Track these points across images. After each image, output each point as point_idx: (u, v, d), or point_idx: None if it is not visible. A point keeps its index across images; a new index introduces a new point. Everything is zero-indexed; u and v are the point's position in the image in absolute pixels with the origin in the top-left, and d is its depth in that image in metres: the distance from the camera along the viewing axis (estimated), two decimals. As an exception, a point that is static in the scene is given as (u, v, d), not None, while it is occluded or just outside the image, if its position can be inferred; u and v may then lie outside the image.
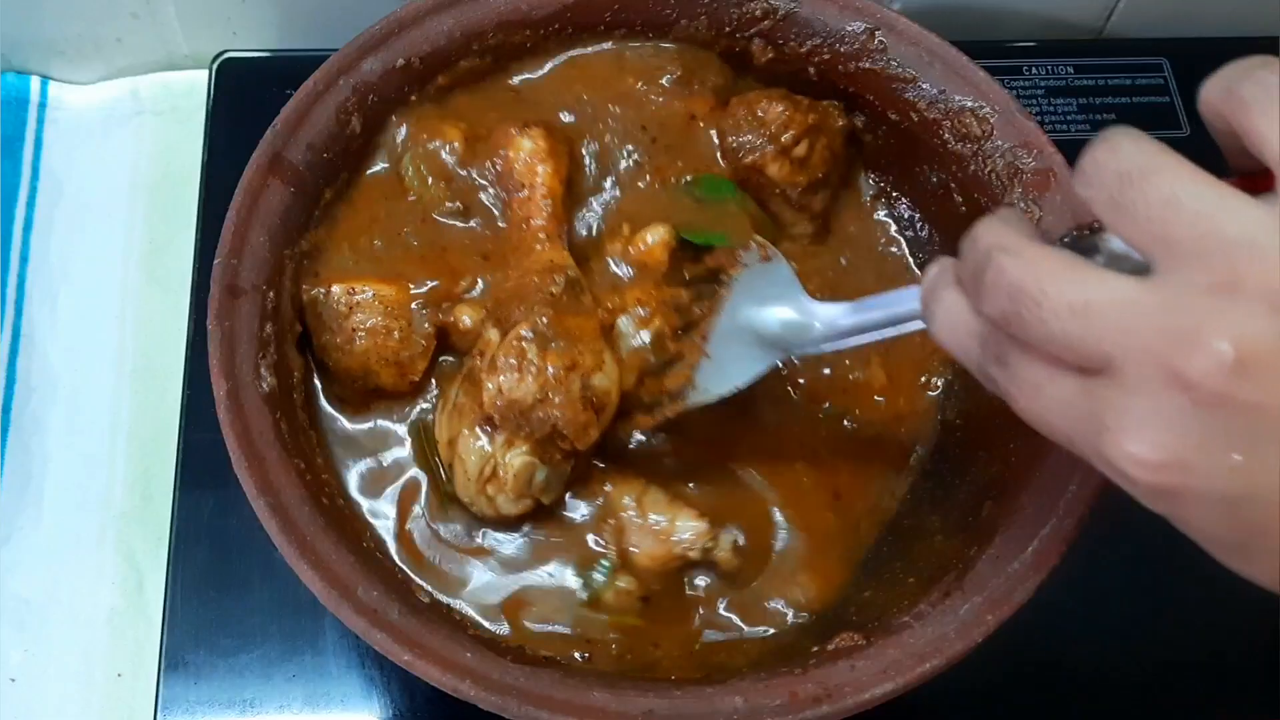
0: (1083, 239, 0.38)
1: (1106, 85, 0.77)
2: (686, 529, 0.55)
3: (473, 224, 0.61)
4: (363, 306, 0.57)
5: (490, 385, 0.54)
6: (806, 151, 0.62)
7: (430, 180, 0.60)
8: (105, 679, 0.64)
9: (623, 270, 0.59)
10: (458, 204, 0.61)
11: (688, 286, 0.58)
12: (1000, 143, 0.59)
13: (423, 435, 0.58)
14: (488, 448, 0.54)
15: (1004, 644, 0.49)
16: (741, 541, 0.56)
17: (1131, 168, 0.36)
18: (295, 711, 0.60)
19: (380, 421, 0.58)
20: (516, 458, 0.54)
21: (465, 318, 0.58)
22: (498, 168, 0.59)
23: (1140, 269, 0.35)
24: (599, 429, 0.55)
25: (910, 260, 0.65)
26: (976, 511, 0.55)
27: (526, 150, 0.59)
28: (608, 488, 0.57)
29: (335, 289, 0.57)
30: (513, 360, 0.54)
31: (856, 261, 0.65)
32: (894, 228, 0.66)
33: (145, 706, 0.61)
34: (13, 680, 0.64)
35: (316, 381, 0.59)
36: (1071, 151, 0.58)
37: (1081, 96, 0.77)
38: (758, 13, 0.63)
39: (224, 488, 0.55)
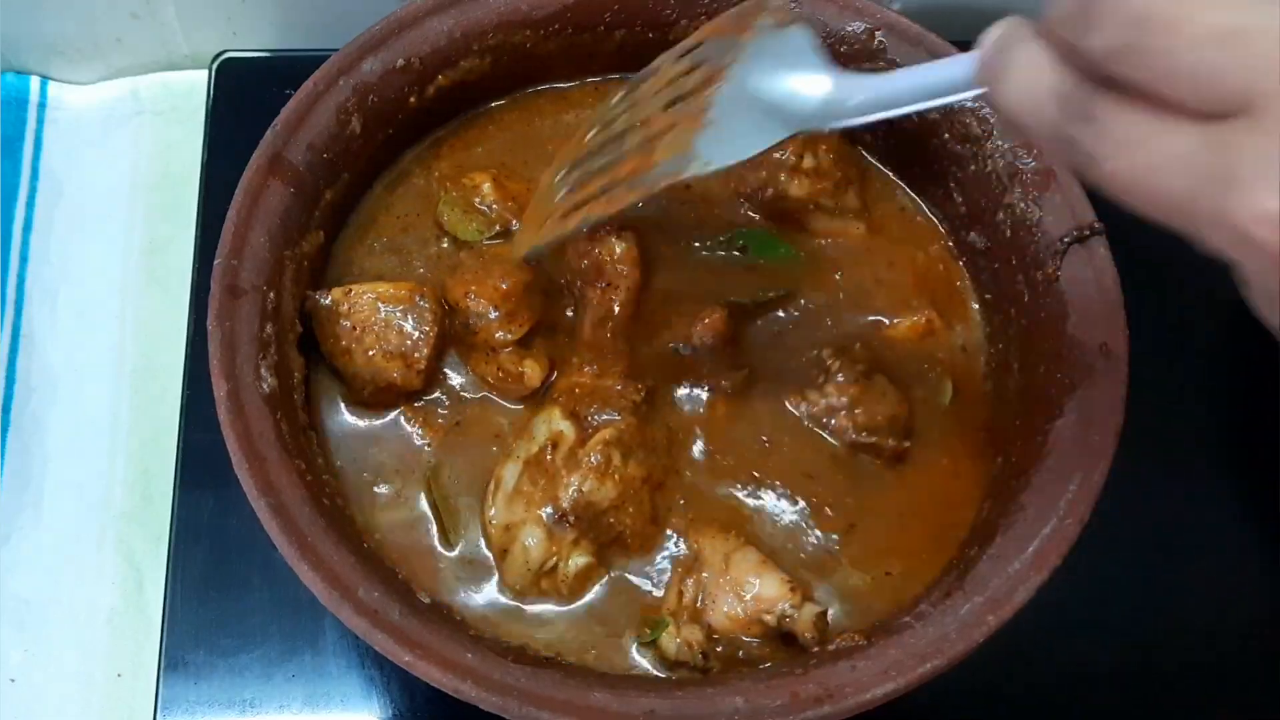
0: None
1: (1106, 85, 0.77)
2: (774, 596, 0.53)
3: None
4: (363, 307, 0.57)
5: (572, 482, 0.54)
6: (814, 161, 0.62)
7: (469, 220, 0.62)
8: (105, 679, 0.64)
9: (685, 350, 0.59)
10: (495, 228, 0.62)
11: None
12: (1000, 143, 0.59)
13: (434, 492, 0.57)
14: (551, 544, 0.54)
15: (1004, 644, 0.49)
16: (832, 612, 0.54)
17: None
18: (295, 711, 0.60)
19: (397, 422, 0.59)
20: (581, 558, 0.54)
21: (528, 369, 0.58)
22: (584, 263, 0.59)
23: None
24: (658, 542, 0.56)
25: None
26: (977, 511, 0.55)
27: (619, 253, 0.58)
28: (695, 544, 0.56)
29: (335, 293, 0.57)
30: (597, 462, 0.54)
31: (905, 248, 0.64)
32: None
33: (145, 706, 0.61)
34: (13, 680, 0.64)
35: (326, 385, 0.59)
36: (1071, 151, 0.58)
37: (1081, 96, 0.77)
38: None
39: (224, 488, 0.55)
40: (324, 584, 0.48)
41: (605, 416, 0.56)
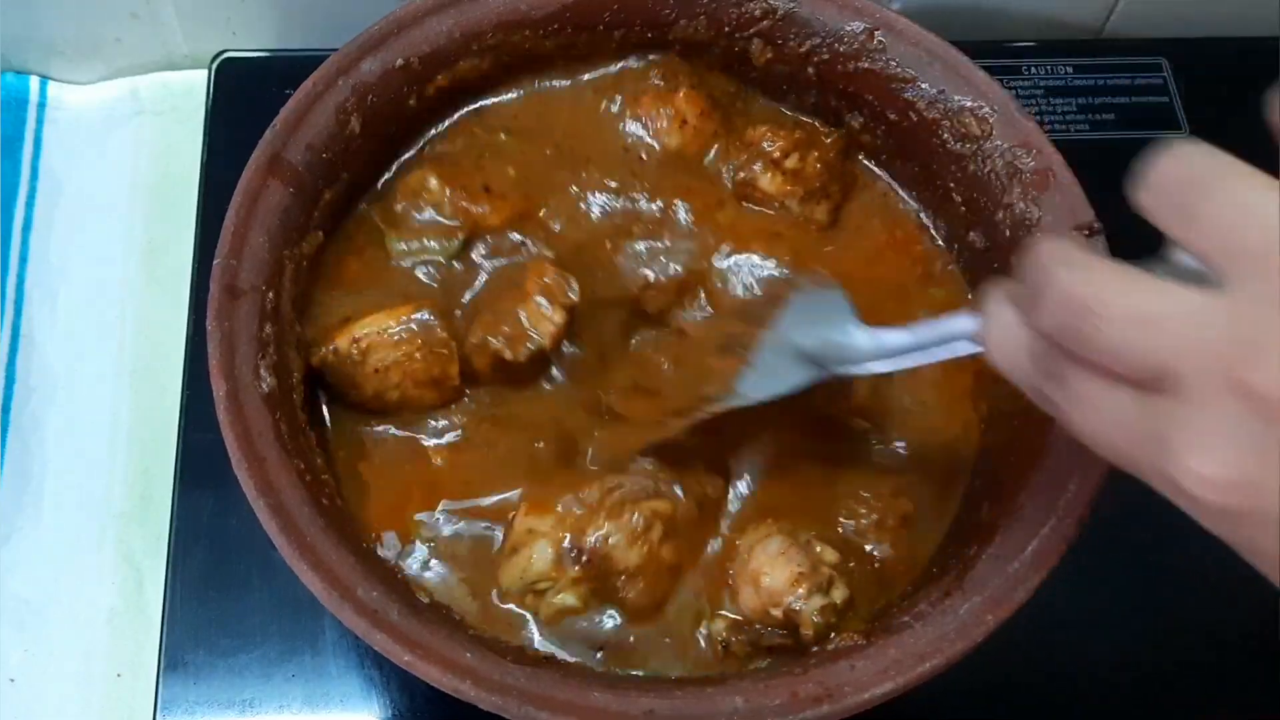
0: (1149, 259, 0.36)
1: (1106, 85, 0.77)
2: (782, 588, 0.53)
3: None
4: (377, 346, 0.56)
5: (604, 528, 0.54)
6: (799, 164, 0.62)
7: (423, 239, 0.61)
8: (105, 679, 0.64)
9: None
10: (459, 237, 0.61)
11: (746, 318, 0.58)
12: (999, 143, 0.59)
13: None
14: (553, 570, 0.54)
15: (1004, 644, 0.49)
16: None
17: (1200, 175, 0.34)
18: (295, 711, 0.60)
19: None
20: (570, 598, 0.54)
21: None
22: None
23: (1205, 284, 0.34)
24: (653, 622, 0.55)
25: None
26: (976, 511, 0.55)
27: None
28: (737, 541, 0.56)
29: (340, 342, 0.57)
30: (636, 525, 0.54)
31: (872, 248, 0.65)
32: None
33: (145, 706, 0.61)
34: (12, 680, 0.64)
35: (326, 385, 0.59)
36: (1071, 151, 0.59)
37: (1081, 96, 0.77)
38: (757, 13, 0.63)
39: (224, 488, 0.55)
40: (323, 584, 0.48)
41: (674, 490, 0.56)
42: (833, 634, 0.52)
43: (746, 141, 0.63)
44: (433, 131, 0.64)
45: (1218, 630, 0.64)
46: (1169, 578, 0.65)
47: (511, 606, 0.55)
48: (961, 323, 0.46)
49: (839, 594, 0.53)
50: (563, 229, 0.62)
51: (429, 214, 0.61)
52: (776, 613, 0.53)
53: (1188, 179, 0.35)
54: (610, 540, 0.54)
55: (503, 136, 0.64)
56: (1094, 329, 0.34)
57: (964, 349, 0.47)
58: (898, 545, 0.57)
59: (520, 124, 0.65)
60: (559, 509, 0.54)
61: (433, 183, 0.61)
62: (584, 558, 0.54)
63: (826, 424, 0.59)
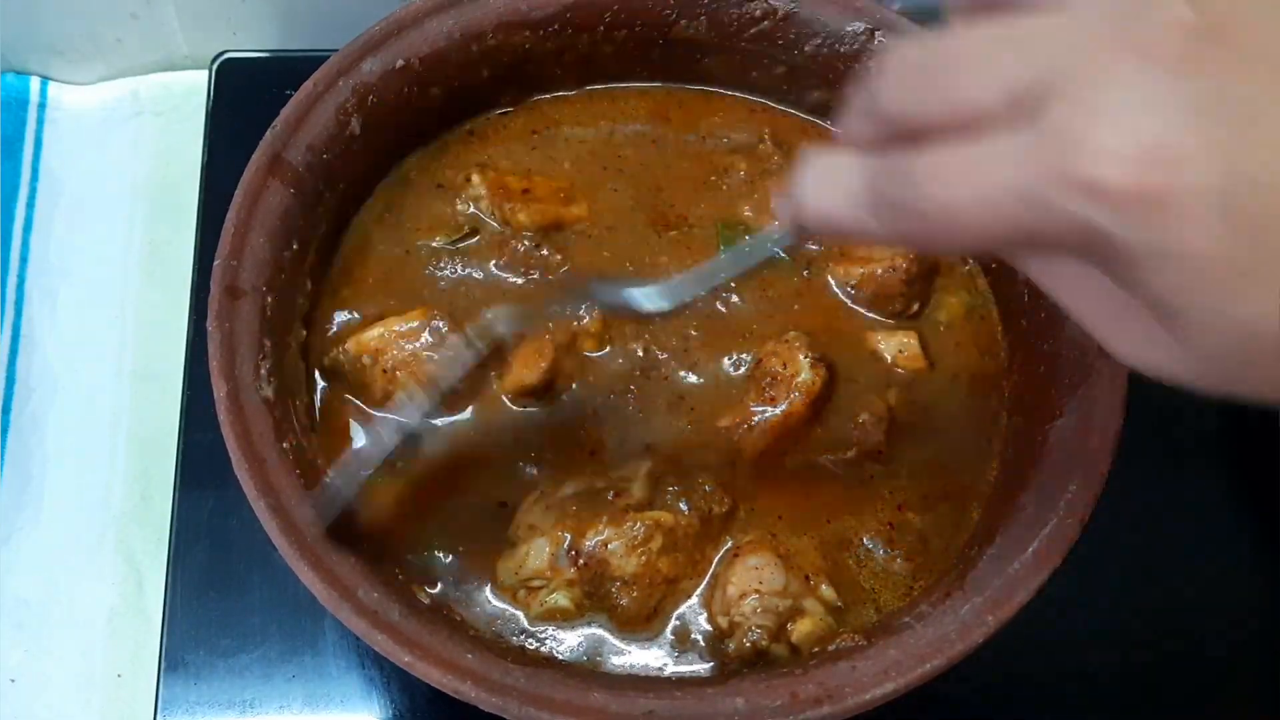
0: None
1: (1106, 85, 0.77)
2: (766, 604, 0.53)
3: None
4: (386, 347, 0.57)
5: (603, 533, 0.54)
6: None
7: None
8: (105, 679, 0.64)
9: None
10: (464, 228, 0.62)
11: None
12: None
13: None
14: (549, 570, 0.54)
15: (1004, 644, 0.49)
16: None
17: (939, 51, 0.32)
18: (295, 712, 0.60)
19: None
20: (563, 599, 0.54)
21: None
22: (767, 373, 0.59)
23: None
24: (644, 631, 0.55)
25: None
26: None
27: (804, 372, 0.58)
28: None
29: (351, 345, 0.57)
30: (636, 534, 0.54)
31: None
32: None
33: (145, 707, 0.61)
34: (13, 680, 0.64)
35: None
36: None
37: (1081, 96, 0.77)
38: (757, 13, 0.63)
39: (224, 488, 0.55)
40: (323, 584, 0.48)
41: (680, 505, 0.56)
42: (758, 658, 0.53)
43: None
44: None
45: (1217, 630, 0.64)
46: (1169, 578, 0.65)
47: (505, 605, 0.55)
48: (761, 239, 0.44)
49: (803, 627, 0.53)
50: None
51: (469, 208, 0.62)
52: (723, 621, 0.53)
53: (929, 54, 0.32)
54: (609, 546, 0.54)
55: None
56: (949, 83, 0.31)
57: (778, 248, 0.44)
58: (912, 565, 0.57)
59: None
60: (562, 508, 0.55)
61: (475, 178, 0.62)
62: (580, 560, 0.54)
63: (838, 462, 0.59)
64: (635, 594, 0.54)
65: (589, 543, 0.54)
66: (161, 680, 0.60)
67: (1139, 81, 0.29)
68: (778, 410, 0.57)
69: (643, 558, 0.54)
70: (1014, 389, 0.59)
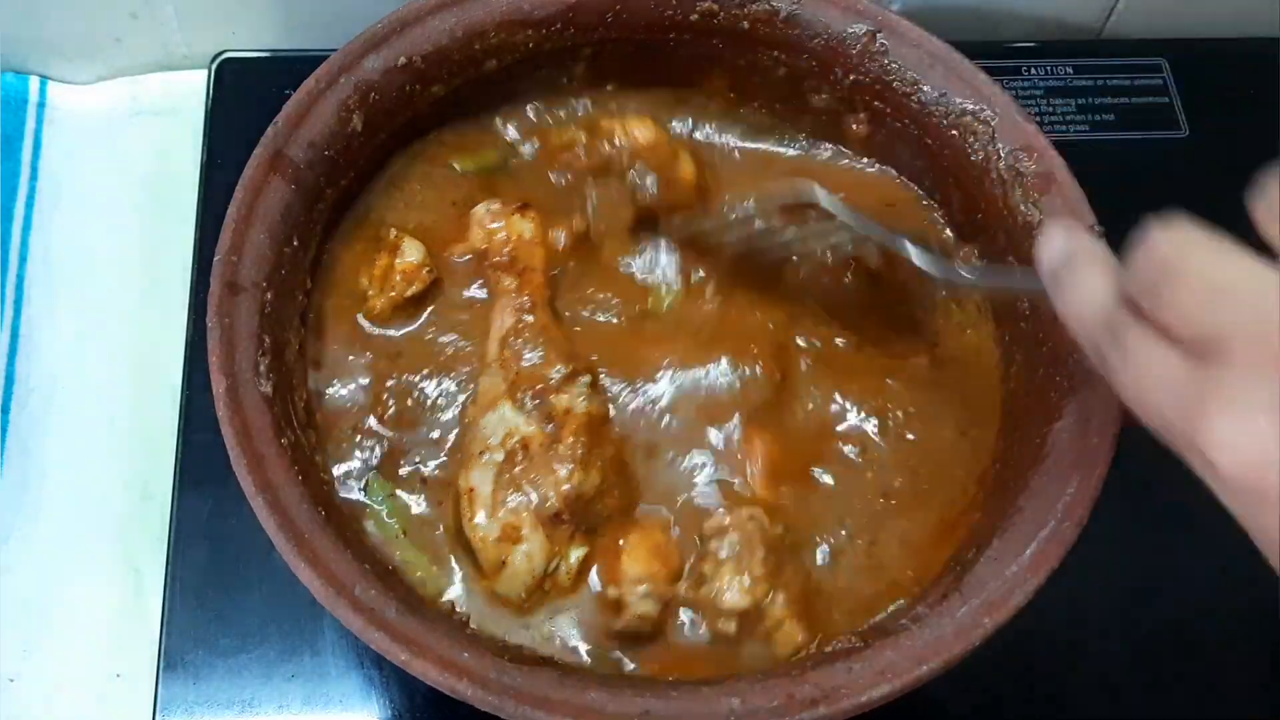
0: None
1: (1106, 85, 0.77)
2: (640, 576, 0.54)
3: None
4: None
5: (561, 476, 0.54)
6: None
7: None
8: (104, 679, 0.64)
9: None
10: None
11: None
12: (1001, 145, 0.59)
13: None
14: (553, 546, 0.54)
15: (1001, 646, 0.49)
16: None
17: None
18: (294, 711, 0.60)
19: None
20: (578, 550, 0.55)
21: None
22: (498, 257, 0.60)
23: None
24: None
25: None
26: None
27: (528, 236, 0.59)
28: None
29: None
30: (581, 454, 0.55)
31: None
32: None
33: (144, 707, 0.61)
34: (12, 680, 0.63)
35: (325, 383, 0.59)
36: (1071, 152, 0.59)
37: (1081, 97, 0.77)
38: (759, 14, 0.63)
39: (223, 487, 0.55)
40: (320, 581, 0.48)
41: (555, 399, 0.56)
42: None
43: None
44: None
45: (1216, 632, 0.64)
46: (1167, 580, 0.65)
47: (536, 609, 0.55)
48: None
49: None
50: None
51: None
52: (633, 599, 0.54)
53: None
54: (575, 481, 0.55)
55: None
56: (1173, 290, 0.36)
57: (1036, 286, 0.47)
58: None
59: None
60: (503, 498, 0.55)
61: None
62: (566, 514, 0.54)
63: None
64: (616, 493, 0.56)
65: (558, 496, 0.54)
66: (160, 680, 0.60)
67: (1273, 395, 0.34)
68: None
69: (598, 463, 0.55)
70: (1013, 391, 0.59)
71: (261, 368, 0.53)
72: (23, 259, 0.72)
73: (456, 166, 0.65)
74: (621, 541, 0.55)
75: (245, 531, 0.60)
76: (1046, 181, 0.58)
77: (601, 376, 0.59)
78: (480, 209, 0.62)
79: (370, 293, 0.60)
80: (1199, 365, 0.35)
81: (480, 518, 0.55)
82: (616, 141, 0.62)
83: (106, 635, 0.65)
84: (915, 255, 0.54)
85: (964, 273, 0.55)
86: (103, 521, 0.67)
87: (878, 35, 0.62)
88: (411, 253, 0.60)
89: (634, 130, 0.62)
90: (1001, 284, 0.51)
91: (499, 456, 0.55)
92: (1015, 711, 0.63)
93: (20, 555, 0.66)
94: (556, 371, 0.57)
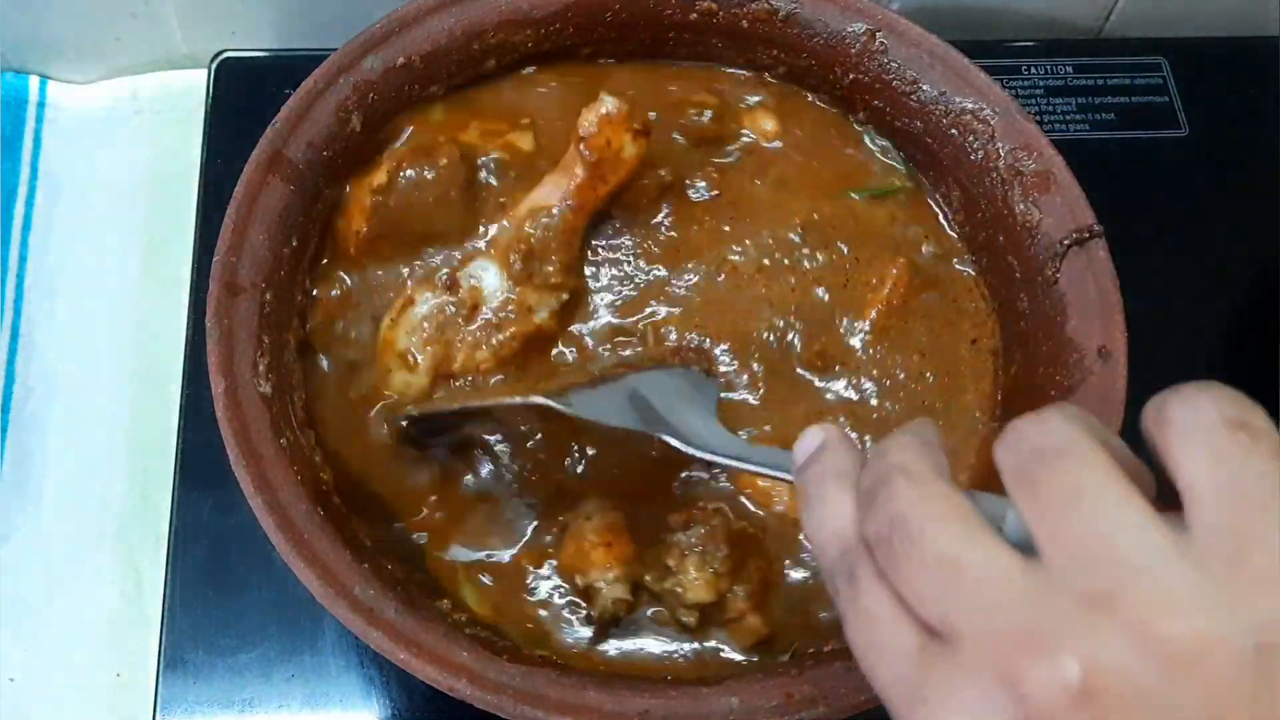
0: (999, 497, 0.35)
1: (1105, 85, 0.77)
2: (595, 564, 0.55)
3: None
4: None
5: (479, 355, 0.57)
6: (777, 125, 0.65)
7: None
8: (105, 679, 0.64)
9: None
10: None
11: None
12: (1000, 145, 0.59)
13: None
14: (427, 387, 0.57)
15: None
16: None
17: (1050, 446, 0.33)
18: (294, 711, 0.60)
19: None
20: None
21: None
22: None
23: (1028, 550, 0.33)
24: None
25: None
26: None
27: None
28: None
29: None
30: (495, 349, 0.57)
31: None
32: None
33: (144, 706, 0.61)
34: (12, 680, 0.64)
35: (325, 382, 0.59)
36: (1071, 151, 0.59)
37: (1081, 96, 0.77)
38: (759, 13, 0.63)
39: (223, 487, 0.55)
40: (319, 581, 0.48)
41: (525, 292, 0.58)
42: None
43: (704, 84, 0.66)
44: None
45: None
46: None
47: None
48: (784, 459, 0.44)
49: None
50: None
51: None
52: (580, 583, 0.54)
53: (1040, 446, 0.33)
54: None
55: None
56: (904, 555, 0.34)
57: (785, 477, 0.45)
58: None
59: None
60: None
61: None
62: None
63: None
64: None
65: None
66: (161, 679, 0.60)
67: (995, 708, 0.31)
68: None
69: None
70: (1013, 389, 0.59)
71: (260, 368, 0.53)
72: (23, 259, 0.72)
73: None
74: (583, 528, 0.56)
75: (245, 531, 0.60)
76: (1046, 181, 0.58)
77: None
78: (608, 102, 0.58)
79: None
80: (925, 644, 0.33)
81: (400, 330, 0.58)
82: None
83: (106, 635, 0.65)
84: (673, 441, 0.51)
85: (718, 456, 0.50)
86: (103, 521, 0.67)
87: (877, 34, 0.62)
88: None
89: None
90: (754, 468, 0.48)
91: (451, 298, 0.58)
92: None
93: (20, 555, 0.66)
94: (550, 267, 0.58)
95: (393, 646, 0.47)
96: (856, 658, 0.35)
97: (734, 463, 0.49)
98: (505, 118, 0.63)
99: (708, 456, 0.50)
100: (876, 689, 0.35)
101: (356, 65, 0.59)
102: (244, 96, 0.73)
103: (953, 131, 0.61)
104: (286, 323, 0.57)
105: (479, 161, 0.61)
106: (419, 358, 0.57)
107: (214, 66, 0.75)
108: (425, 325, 0.57)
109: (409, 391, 0.58)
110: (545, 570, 0.56)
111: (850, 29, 0.62)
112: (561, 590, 0.56)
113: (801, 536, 0.39)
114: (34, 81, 0.77)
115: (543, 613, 0.55)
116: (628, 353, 0.60)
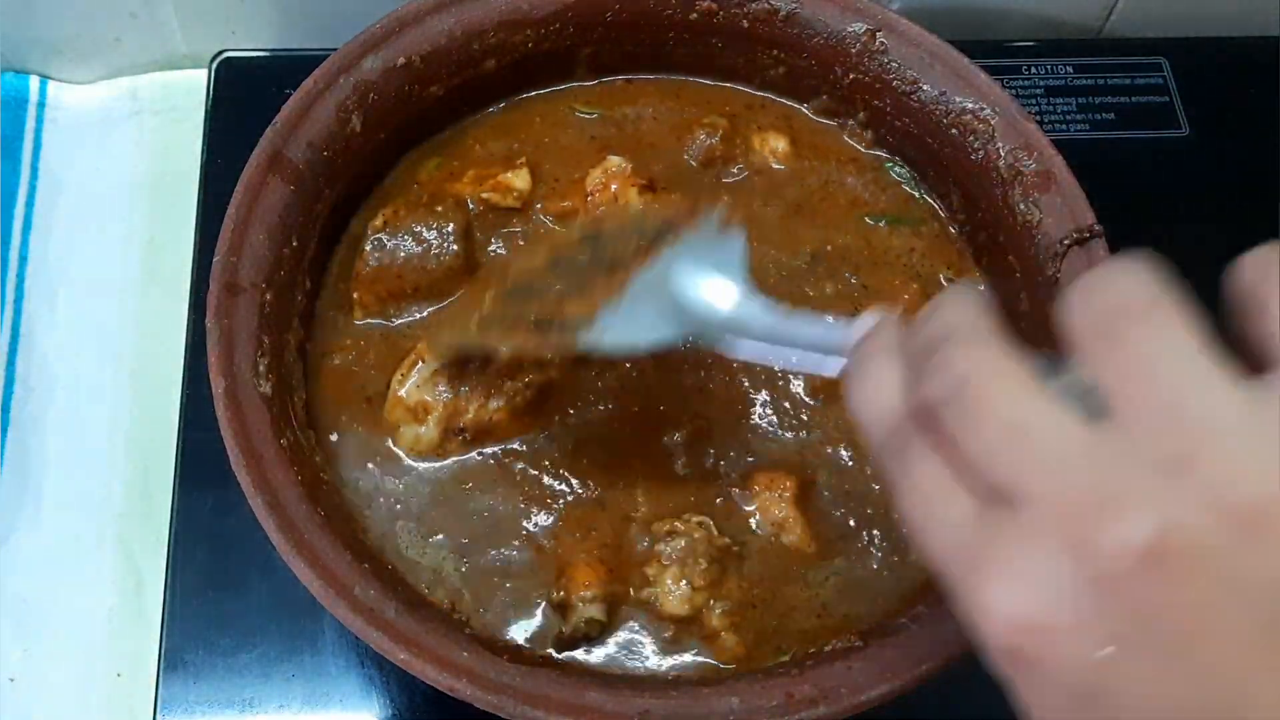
0: (1056, 360, 0.34)
1: (1106, 85, 0.77)
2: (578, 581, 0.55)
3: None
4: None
5: (493, 405, 0.56)
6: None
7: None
8: (105, 679, 0.64)
9: None
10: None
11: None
12: (1000, 144, 0.59)
13: None
14: (441, 444, 0.56)
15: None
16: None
17: (1129, 305, 0.32)
18: (294, 711, 0.60)
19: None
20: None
21: None
22: None
23: (1098, 410, 0.32)
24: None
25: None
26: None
27: None
28: None
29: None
30: (510, 398, 0.57)
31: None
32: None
33: (144, 706, 0.61)
34: (12, 680, 0.63)
35: (325, 382, 0.59)
36: (1071, 151, 0.59)
37: (1081, 96, 0.77)
38: (759, 13, 0.63)
39: (223, 487, 0.55)
40: (320, 581, 0.48)
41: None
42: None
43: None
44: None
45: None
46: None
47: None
48: (839, 336, 0.42)
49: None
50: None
51: None
52: (555, 598, 0.54)
53: (1116, 305, 0.33)
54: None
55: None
56: (966, 418, 0.33)
57: (829, 369, 0.43)
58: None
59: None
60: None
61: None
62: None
63: None
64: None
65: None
66: (161, 679, 0.60)
67: (1060, 567, 0.31)
68: None
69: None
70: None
71: (261, 368, 0.53)
72: (23, 259, 0.73)
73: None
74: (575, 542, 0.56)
75: (246, 531, 0.60)
76: (1046, 180, 0.58)
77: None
78: (614, 160, 0.61)
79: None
80: (985, 510, 0.32)
81: (408, 384, 0.56)
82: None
83: (106, 635, 0.65)
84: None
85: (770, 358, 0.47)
86: (103, 521, 0.67)
87: (878, 34, 0.62)
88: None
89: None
90: (806, 367, 0.45)
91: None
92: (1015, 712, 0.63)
93: (20, 555, 0.66)
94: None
95: (393, 646, 0.47)
96: (911, 531, 0.35)
97: (775, 353, 0.46)
98: (497, 159, 0.64)
99: (759, 360, 0.47)
100: (933, 559, 0.34)
101: (356, 65, 0.59)
102: (244, 96, 0.73)
103: (953, 131, 0.61)
104: (287, 323, 0.57)
105: (476, 209, 0.62)
106: (429, 413, 0.56)
107: (214, 66, 0.75)
108: (435, 381, 0.57)
109: (419, 445, 0.57)
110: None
111: (850, 29, 0.62)
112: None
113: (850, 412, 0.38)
114: (34, 81, 0.77)
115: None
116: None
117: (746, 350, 0.47)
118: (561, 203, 0.63)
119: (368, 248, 0.59)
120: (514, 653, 0.51)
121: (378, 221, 0.59)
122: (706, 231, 0.50)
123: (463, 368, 0.56)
